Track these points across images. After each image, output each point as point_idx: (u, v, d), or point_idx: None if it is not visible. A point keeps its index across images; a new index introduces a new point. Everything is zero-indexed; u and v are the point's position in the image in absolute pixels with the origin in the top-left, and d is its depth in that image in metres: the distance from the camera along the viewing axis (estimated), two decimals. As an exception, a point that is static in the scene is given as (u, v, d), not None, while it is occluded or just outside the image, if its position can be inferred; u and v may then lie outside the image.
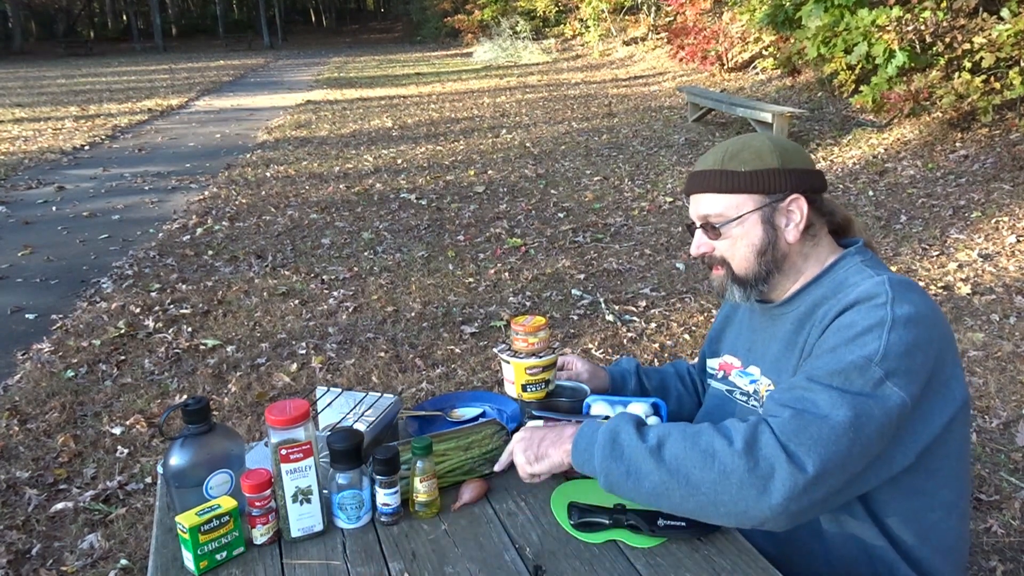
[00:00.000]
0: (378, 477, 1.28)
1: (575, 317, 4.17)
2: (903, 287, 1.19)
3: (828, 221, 1.35)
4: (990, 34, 6.42)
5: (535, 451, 1.27)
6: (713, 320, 1.75)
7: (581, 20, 21.05)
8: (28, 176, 8.40)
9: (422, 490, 1.30)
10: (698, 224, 1.36)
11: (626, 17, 19.64)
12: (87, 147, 10.17)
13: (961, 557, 1.31)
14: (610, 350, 3.76)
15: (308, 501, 1.25)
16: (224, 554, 1.22)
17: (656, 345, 3.79)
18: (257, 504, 1.24)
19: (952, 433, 1.21)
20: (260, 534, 1.25)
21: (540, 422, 1.44)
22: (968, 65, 6.78)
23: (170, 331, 4.17)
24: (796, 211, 1.29)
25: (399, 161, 8.57)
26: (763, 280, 1.32)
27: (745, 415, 1.39)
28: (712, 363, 1.55)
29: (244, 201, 6.98)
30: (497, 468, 1.37)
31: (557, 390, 1.55)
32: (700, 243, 1.36)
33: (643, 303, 4.31)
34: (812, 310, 1.29)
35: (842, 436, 1.06)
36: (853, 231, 1.39)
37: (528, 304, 4.39)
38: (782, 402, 1.13)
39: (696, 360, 1.73)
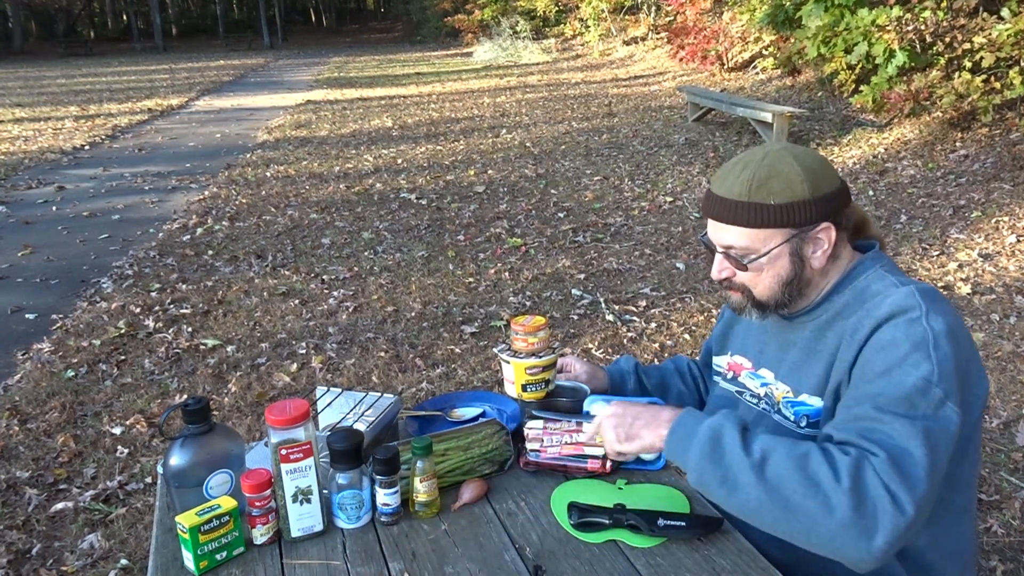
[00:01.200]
0: (378, 477, 1.28)
1: (575, 317, 4.17)
2: (931, 297, 1.18)
3: (847, 229, 1.32)
4: (990, 34, 6.41)
5: (627, 429, 1.23)
6: (716, 317, 1.73)
7: (581, 20, 21.05)
8: (28, 176, 8.39)
9: (422, 490, 1.30)
10: (719, 250, 1.30)
11: (626, 17, 19.63)
12: (87, 147, 10.17)
13: (970, 560, 1.31)
14: (610, 350, 3.76)
15: (308, 501, 1.25)
16: (224, 554, 1.22)
17: (656, 345, 3.79)
18: (257, 504, 1.24)
19: (971, 441, 1.21)
20: (260, 534, 1.25)
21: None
22: (968, 65, 6.78)
23: (170, 331, 4.17)
24: (824, 239, 1.25)
25: (399, 161, 8.57)
26: (785, 306, 1.30)
27: (755, 418, 1.40)
28: (719, 361, 1.54)
29: (244, 201, 6.98)
30: (584, 439, 1.36)
31: (557, 390, 1.55)
32: (722, 268, 1.31)
33: (643, 303, 4.31)
34: (834, 319, 1.27)
35: (930, 472, 1.06)
36: (868, 231, 1.36)
37: (528, 304, 4.39)
38: (868, 437, 1.09)
39: (699, 355, 1.72)
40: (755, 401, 1.41)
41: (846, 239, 1.31)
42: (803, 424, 1.29)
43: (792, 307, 1.31)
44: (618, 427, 1.24)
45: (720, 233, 1.28)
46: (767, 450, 1.10)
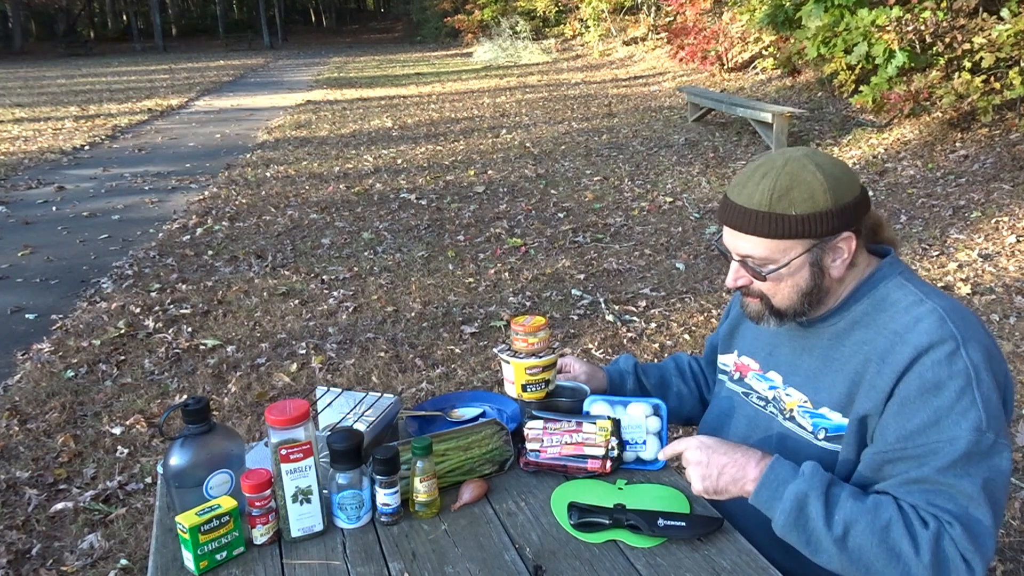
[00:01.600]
0: (378, 477, 1.28)
1: (575, 317, 4.17)
2: (961, 318, 1.17)
3: (866, 236, 1.29)
4: (990, 34, 6.41)
5: (713, 483, 1.25)
6: (719, 317, 1.71)
7: (581, 20, 21.05)
8: (28, 176, 8.40)
9: (422, 490, 1.30)
10: (736, 258, 1.28)
11: (626, 17, 19.64)
12: (87, 147, 10.17)
13: None
14: (610, 350, 3.76)
15: (308, 501, 1.25)
16: (224, 554, 1.22)
17: (656, 345, 3.79)
18: (257, 504, 1.24)
19: None
20: (260, 534, 1.25)
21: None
22: (968, 65, 6.78)
23: (170, 331, 4.17)
24: (844, 248, 1.23)
25: (399, 161, 8.57)
26: (803, 315, 1.29)
27: (761, 421, 1.39)
28: (725, 360, 1.52)
29: (244, 201, 6.98)
30: (661, 456, 1.39)
31: (557, 390, 1.55)
32: (738, 276, 1.29)
33: (643, 303, 4.31)
34: (852, 327, 1.26)
35: (995, 528, 1.12)
36: (882, 234, 1.33)
37: (528, 304, 4.39)
38: (938, 504, 1.13)
39: (702, 352, 1.70)
40: (762, 404, 1.40)
41: (863, 245, 1.29)
42: (821, 436, 1.28)
43: (810, 315, 1.29)
44: (705, 479, 1.26)
45: (737, 242, 1.26)
46: (849, 521, 1.14)
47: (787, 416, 1.34)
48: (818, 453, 1.28)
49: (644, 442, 1.44)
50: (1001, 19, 6.40)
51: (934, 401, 1.14)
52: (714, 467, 1.25)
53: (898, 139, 7.31)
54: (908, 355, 1.16)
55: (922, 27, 7.02)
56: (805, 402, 1.31)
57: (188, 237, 5.92)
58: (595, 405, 1.49)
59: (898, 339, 1.19)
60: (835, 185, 1.20)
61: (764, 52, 11.72)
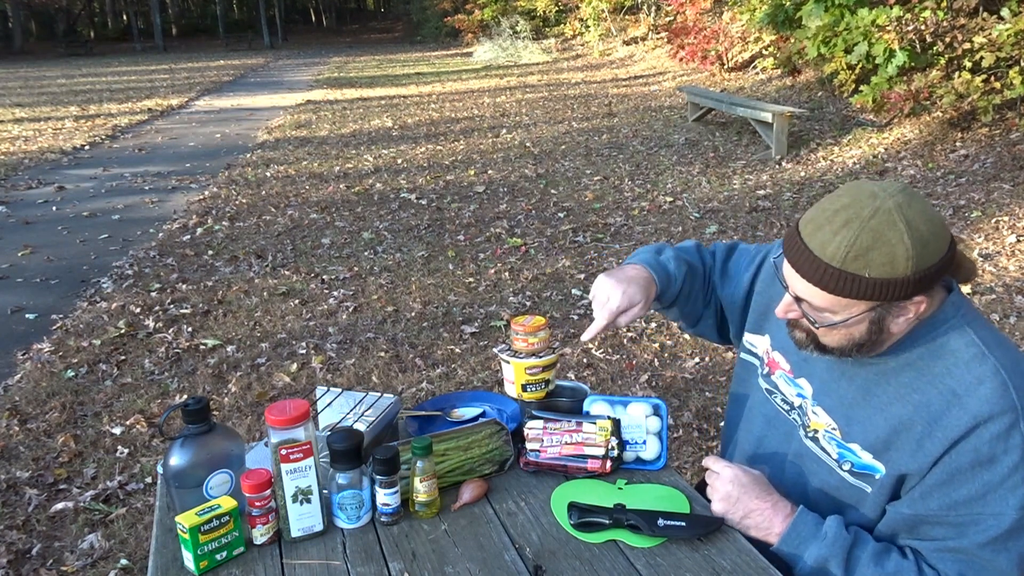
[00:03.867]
0: (378, 477, 1.28)
1: (575, 317, 4.17)
2: (1022, 378, 1.11)
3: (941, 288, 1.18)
4: (990, 34, 6.41)
5: (736, 522, 1.27)
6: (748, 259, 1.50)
7: (581, 20, 21.05)
8: (28, 176, 8.39)
9: (422, 490, 1.30)
10: (791, 294, 1.18)
11: (626, 17, 19.64)
12: (87, 147, 10.17)
13: None
14: (610, 350, 3.76)
15: (308, 501, 1.25)
16: (224, 554, 1.22)
17: (656, 345, 3.79)
18: (257, 504, 1.24)
19: None
20: (260, 534, 1.25)
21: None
22: (968, 65, 6.78)
23: (170, 331, 4.17)
24: (912, 310, 1.13)
25: (399, 161, 8.57)
26: (849, 356, 1.21)
27: (780, 425, 1.36)
28: (754, 340, 1.45)
29: (244, 201, 6.98)
30: (704, 464, 1.36)
31: (557, 390, 1.55)
32: (788, 310, 1.20)
33: (643, 303, 4.30)
34: (902, 368, 1.19)
35: None
36: (961, 272, 1.20)
37: (528, 304, 4.39)
38: None
39: (717, 253, 1.55)
40: (786, 408, 1.35)
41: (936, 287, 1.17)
42: (846, 467, 1.24)
43: (856, 357, 1.22)
44: (728, 514, 1.28)
45: (796, 282, 1.15)
46: None
47: (809, 434, 1.30)
48: (838, 483, 1.25)
49: (644, 442, 1.44)
50: (1001, 18, 6.40)
51: (984, 475, 1.10)
52: (741, 508, 1.26)
53: (898, 139, 7.31)
54: (965, 424, 1.10)
55: (922, 27, 7.02)
56: (833, 429, 1.25)
57: (188, 237, 5.92)
58: (595, 405, 1.49)
59: (955, 401, 1.12)
60: (921, 251, 1.07)
61: (764, 52, 11.72)
